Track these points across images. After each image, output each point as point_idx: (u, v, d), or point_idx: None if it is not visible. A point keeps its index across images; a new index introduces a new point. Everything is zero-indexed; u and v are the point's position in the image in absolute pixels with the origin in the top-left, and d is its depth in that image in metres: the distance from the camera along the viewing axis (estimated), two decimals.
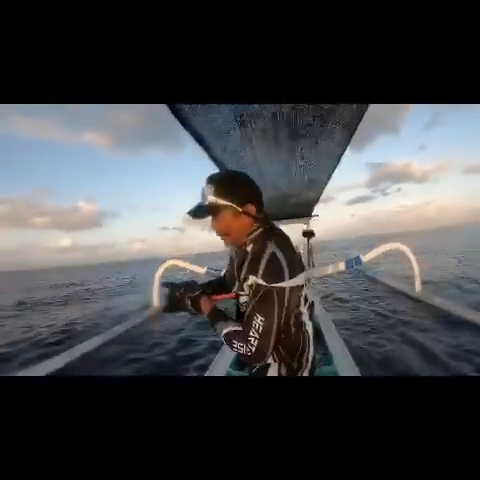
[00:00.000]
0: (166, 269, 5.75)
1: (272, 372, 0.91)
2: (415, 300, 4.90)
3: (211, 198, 0.85)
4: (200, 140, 1.72)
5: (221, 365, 2.02)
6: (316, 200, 4.22)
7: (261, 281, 0.79)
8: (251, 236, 0.89)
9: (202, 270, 5.74)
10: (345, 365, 1.89)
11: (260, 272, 0.80)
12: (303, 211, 4.73)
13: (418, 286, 5.22)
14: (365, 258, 5.33)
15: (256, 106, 1.43)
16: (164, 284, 1.06)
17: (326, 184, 3.33)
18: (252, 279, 0.82)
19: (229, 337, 0.85)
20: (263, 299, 0.79)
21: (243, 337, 0.82)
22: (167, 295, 1.00)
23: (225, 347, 2.32)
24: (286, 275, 0.78)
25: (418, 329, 3.53)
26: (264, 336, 0.79)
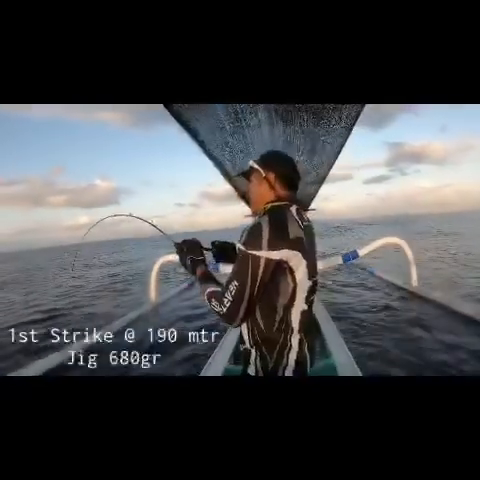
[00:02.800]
0: (162, 265, 5.74)
1: (250, 361, 0.93)
2: (412, 294, 4.93)
3: (251, 162, 0.99)
4: (194, 135, 1.70)
5: (219, 360, 2.03)
6: (314, 194, 4.22)
7: (241, 246, 0.85)
8: (267, 205, 0.95)
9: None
10: (344, 360, 1.90)
11: (243, 238, 0.86)
12: (302, 205, 4.71)
13: (415, 281, 5.25)
14: (362, 252, 5.34)
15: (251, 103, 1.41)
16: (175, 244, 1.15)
17: (324, 179, 3.32)
18: (237, 245, 0.88)
19: (210, 295, 0.91)
20: (239, 264, 0.84)
21: (220, 297, 0.87)
22: (176, 250, 1.12)
23: (223, 343, 2.35)
24: (264, 243, 0.81)
25: (415, 323, 3.55)
26: (235, 301, 0.83)
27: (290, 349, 0.90)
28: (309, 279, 0.90)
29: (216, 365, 1.96)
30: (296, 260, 0.85)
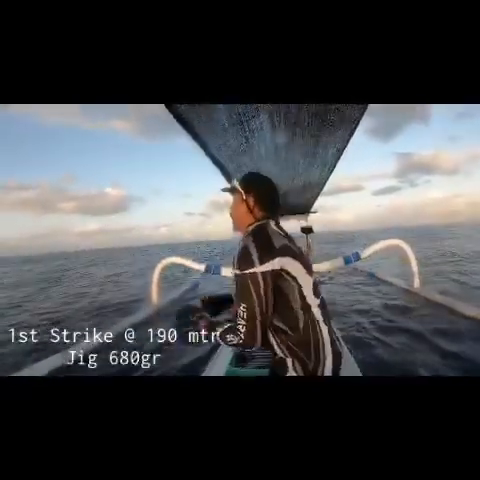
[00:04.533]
0: (165, 266, 5.75)
1: (287, 368, 0.92)
2: (415, 296, 4.91)
3: (234, 182, 1.07)
4: (196, 137, 1.71)
5: (220, 362, 2.02)
6: (315, 197, 4.21)
7: (237, 271, 0.90)
8: (248, 228, 1.02)
9: (201, 267, 5.74)
10: (344, 363, 1.89)
11: (235, 264, 0.92)
12: (302, 208, 4.71)
13: (417, 283, 5.23)
14: (364, 254, 5.33)
15: (253, 105, 1.41)
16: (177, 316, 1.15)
17: (325, 182, 3.31)
18: (232, 272, 0.94)
19: (223, 335, 0.94)
20: (240, 287, 0.89)
21: (233, 329, 0.91)
22: (177, 320, 1.11)
23: (222, 346, 2.34)
24: (255, 261, 0.87)
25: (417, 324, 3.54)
26: (249, 320, 0.87)
27: (324, 343, 0.93)
28: (310, 276, 0.96)
29: (217, 367, 1.96)
30: (290, 264, 0.91)
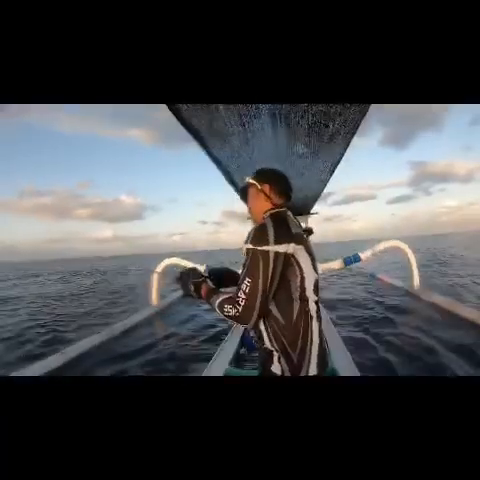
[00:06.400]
0: (165, 268, 5.75)
1: (274, 361, 0.93)
2: (414, 297, 4.91)
3: (247, 178, 1.12)
4: (198, 138, 1.71)
5: (219, 363, 2.02)
6: (315, 198, 4.21)
7: (249, 245, 0.90)
8: (264, 214, 1.04)
9: (201, 268, 5.75)
10: (344, 363, 1.89)
11: (249, 238, 0.92)
12: (302, 209, 4.71)
13: (416, 284, 5.24)
14: (364, 255, 5.33)
15: (255, 106, 1.42)
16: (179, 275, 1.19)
17: (326, 184, 3.32)
18: (244, 246, 0.93)
19: (221, 304, 0.93)
20: (250, 262, 0.89)
21: (233, 300, 0.90)
22: (177, 282, 1.16)
23: (224, 345, 2.35)
24: (270, 239, 0.88)
25: (414, 326, 3.54)
26: (250, 296, 0.86)
27: (312, 339, 0.94)
28: (314, 272, 0.97)
29: (217, 367, 1.96)
30: (301, 254, 0.93)
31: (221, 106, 1.41)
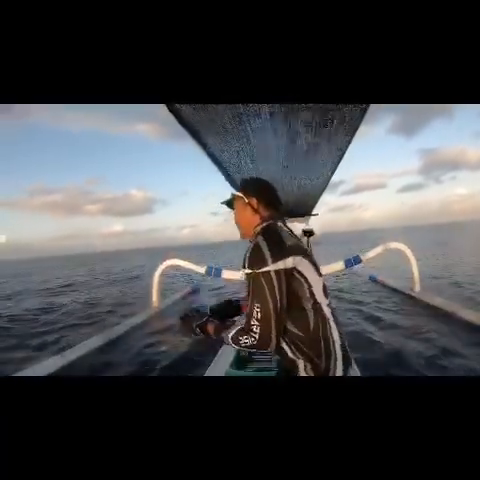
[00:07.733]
0: (166, 268, 5.75)
1: (299, 369, 0.91)
2: (415, 300, 4.89)
3: (234, 191, 1.10)
4: (198, 138, 1.71)
5: (220, 365, 2.02)
6: (316, 199, 4.20)
7: (248, 270, 0.88)
8: (256, 228, 1.02)
9: (202, 269, 5.73)
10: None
11: (246, 262, 0.90)
12: (303, 210, 4.71)
13: (417, 286, 5.21)
14: (364, 257, 5.33)
15: (254, 105, 1.42)
16: (180, 317, 1.17)
17: (327, 184, 3.31)
18: (244, 272, 0.91)
19: (235, 337, 0.90)
20: (254, 287, 0.86)
21: (246, 330, 0.87)
22: (179, 328, 1.14)
23: (224, 347, 2.34)
24: (268, 259, 0.86)
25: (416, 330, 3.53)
26: (264, 320, 0.84)
27: (334, 342, 0.92)
28: (319, 276, 0.96)
29: (218, 370, 1.95)
30: (302, 263, 0.91)
31: (221, 106, 1.41)
